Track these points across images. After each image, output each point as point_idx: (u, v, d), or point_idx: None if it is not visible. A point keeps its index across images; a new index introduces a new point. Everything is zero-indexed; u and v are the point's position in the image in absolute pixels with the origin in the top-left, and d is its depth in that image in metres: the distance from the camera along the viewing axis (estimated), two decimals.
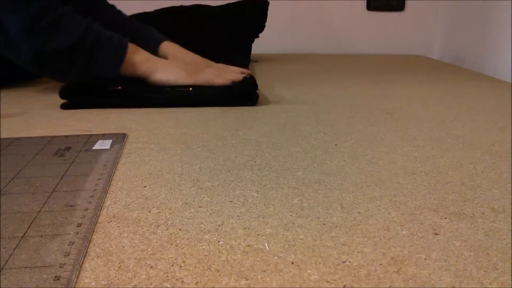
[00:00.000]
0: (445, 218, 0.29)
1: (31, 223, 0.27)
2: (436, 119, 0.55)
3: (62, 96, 0.60)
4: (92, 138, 0.45)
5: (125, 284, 0.22)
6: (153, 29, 0.85)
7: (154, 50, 0.80)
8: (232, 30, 1.03)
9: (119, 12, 0.87)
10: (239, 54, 1.03)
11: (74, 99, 0.60)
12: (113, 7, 0.87)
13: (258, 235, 0.27)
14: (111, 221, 0.28)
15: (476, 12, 1.16)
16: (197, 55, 0.79)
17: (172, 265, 0.23)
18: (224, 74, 0.68)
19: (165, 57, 0.80)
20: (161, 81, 0.67)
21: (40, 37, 0.60)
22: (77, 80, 0.63)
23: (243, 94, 0.62)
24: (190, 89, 0.63)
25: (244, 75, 0.67)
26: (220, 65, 0.75)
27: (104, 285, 0.22)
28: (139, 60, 0.67)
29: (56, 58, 0.62)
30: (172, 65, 0.70)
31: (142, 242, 0.26)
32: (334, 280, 0.22)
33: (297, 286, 0.22)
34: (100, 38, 0.64)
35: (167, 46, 0.82)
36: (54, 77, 0.68)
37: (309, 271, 0.23)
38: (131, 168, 0.38)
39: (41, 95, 0.70)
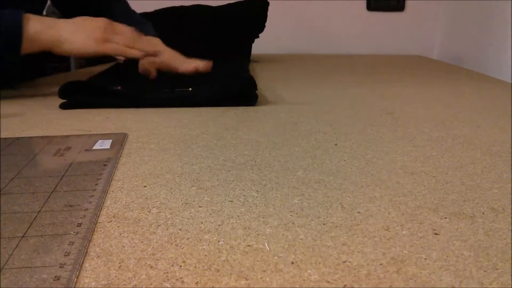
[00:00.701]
0: (445, 218, 0.29)
1: (31, 223, 0.27)
2: (436, 119, 0.55)
3: (61, 96, 0.60)
4: (92, 138, 0.45)
5: (125, 284, 0.22)
6: (148, 24, 0.82)
7: None
8: (232, 30, 1.04)
9: (123, 4, 0.85)
10: (239, 54, 1.03)
11: (73, 99, 0.60)
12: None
13: (258, 235, 0.27)
14: (111, 221, 0.28)
15: (476, 12, 1.16)
16: (128, 27, 0.68)
17: (172, 265, 0.23)
18: (139, 44, 0.62)
19: None
20: (68, 51, 0.59)
21: None
22: None
23: (243, 95, 0.62)
24: (190, 89, 0.63)
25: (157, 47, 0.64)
26: (162, 47, 0.68)
27: (104, 285, 0.22)
28: (37, 28, 0.57)
29: None
30: (79, 31, 0.60)
31: (142, 242, 0.26)
32: (334, 280, 0.22)
33: (297, 286, 0.22)
34: None
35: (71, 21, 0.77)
36: None
37: (309, 271, 0.23)
38: (131, 168, 0.38)
39: (41, 95, 0.70)
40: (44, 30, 0.57)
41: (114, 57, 0.64)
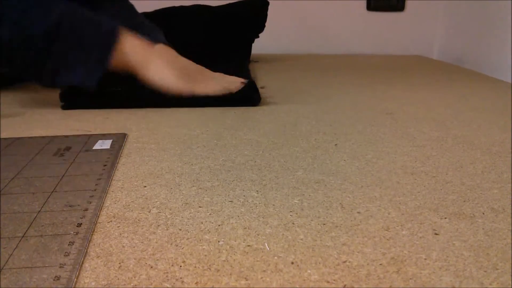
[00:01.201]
0: (445, 218, 0.29)
1: (31, 223, 0.27)
2: (436, 119, 0.55)
3: (62, 100, 0.60)
4: (92, 138, 0.45)
5: (125, 284, 0.22)
6: (156, 29, 0.76)
7: None
8: (232, 30, 1.03)
9: (127, 5, 0.82)
10: (239, 54, 1.03)
11: (74, 101, 0.60)
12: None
13: (258, 235, 0.27)
14: (111, 221, 0.28)
15: (476, 12, 1.16)
16: (193, 63, 0.67)
17: (172, 265, 0.23)
18: (222, 83, 0.60)
19: None
20: (151, 81, 0.56)
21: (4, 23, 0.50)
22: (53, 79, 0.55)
23: (245, 98, 0.62)
24: None
25: (243, 84, 0.62)
26: (217, 75, 0.66)
27: (104, 285, 0.22)
28: (130, 47, 0.54)
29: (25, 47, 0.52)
30: (168, 66, 0.58)
31: (142, 242, 0.26)
32: (334, 280, 0.22)
33: (297, 286, 0.22)
34: (82, 22, 0.53)
35: (159, 50, 0.75)
36: (23, 72, 0.57)
37: (309, 271, 0.23)
38: (131, 168, 0.38)
39: (41, 95, 0.70)
40: (134, 51, 0.55)
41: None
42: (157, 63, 0.57)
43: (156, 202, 0.31)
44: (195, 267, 0.23)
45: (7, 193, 0.32)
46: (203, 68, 0.65)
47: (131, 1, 0.84)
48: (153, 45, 0.59)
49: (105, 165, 0.38)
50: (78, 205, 0.30)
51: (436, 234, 0.27)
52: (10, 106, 0.61)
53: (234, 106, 0.61)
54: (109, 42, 0.54)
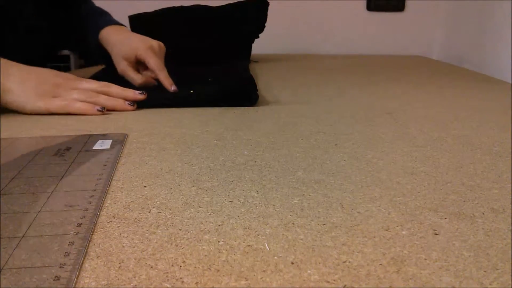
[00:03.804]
0: (445, 218, 0.29)
1: (31, 223, 0.27)
2: (436, 119, 0.55)
3: None
4: (92, 138, 0.45)
5: (125, 284, 0.22)
6: (108, 15, 0.80)
7: (95, 41, 0.75)
8: (232, 30, 1.04)
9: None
10: (239, 55, 1.03)
11: None
12: None
13: (258, 235, 0.27)
14: (111, 221, 0.28)
15: (476, 12, 1.16)
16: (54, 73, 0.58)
17: (172, 265, 0.23)
18: (89, 98, 0.55)
19: (105, 47, 0.73)
20: (17, 107, 0.54)
21: None
22: None
23: (243, 95, 0.62)
24: (191, 91, 0.63)
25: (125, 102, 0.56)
26: (94, 85, 0.58)
27: (104, 285, 0.22)
28: None
29: None
30: (26, 86, 0.54)
31: (142, 242, 0.26)
32: (334, 280, 0.22)
33: (297, 286, 0.22)
34: None
35: (106, 33, 0.72)
36: None
37: (309, 271, 0.23)
38: (131, 168, 0.38)
39: None
40: None
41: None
42: (14, 85, 0.54)
43: (156, 202, 0.31)
44: (195, 267, 0.23)
45: (7, 193, 0.32)
46: (67, 77, 0.58)
47: (133, 1, 0.85)
48: (11, 66, 0.54)
49: (105, 165, 0.38)
50: (78, 205, 0.30)
51: (436, 234, 0.27)
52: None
53: (233, 106, 0.61)
54: None
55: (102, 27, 0.75)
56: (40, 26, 0.72)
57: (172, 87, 0.65)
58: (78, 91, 0.56)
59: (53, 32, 0.71)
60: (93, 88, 0.58)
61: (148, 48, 0.69)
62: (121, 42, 0.72)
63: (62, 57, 1.46)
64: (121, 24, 0.80)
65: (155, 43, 0.71)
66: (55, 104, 0.54)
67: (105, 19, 0.79)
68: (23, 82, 0.54)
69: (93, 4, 0.85)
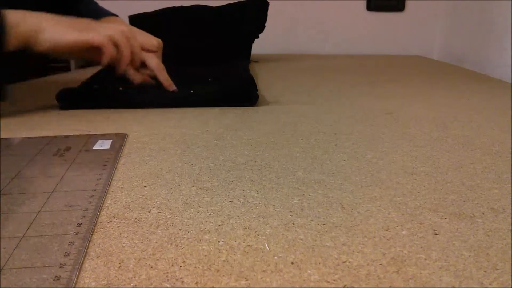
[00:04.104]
0: (445, 218, 0.29)
1: (31, 223, 0.27)
2: (436, 119, 0.55)
3: (59, 101, 0.60)
4: (92, 138, 0.45)
5: (125, 284, 0.22)
6: (103, 10, 0.78)
7: None
8: (232, 30, 1.04)
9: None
10: (239, 55, 1.03)
11: (71, 101, 0.60)
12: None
13: (258, 235, 0.27)
14: (111, 221, 0.28)
15: (476, 12, 1.16)
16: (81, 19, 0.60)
17: (172, 265, 0.23)
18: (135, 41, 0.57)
19: None
20: (50, 42, 0.53)
21: None
22: None
23: (243, 95, 0.62)
24: (192, 91, 0.63)
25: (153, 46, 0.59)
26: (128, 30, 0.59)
27: (104, 285, 0.22)
28: (19, 18, 0.52)
29: None
30: (60, 23, 0.55)
31: (142, 242, 0.26)
32: (334, 280, 0.22)
33: (297, 286, 0.22)
34: None
35: (48, 15, 0.69)
36: None
37: (309, 271, 0.23)
38: (131, 168, 0.38)
39: (41, 95, 0.70)
40: (23, 20, 0.51)
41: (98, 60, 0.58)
42: (50, 25, 0.54)
43: (156, 202, 0.31)
44: (195, 267, 0.23)
45: (7, 193, 0.32)
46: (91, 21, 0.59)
47: (133, 1, 0.85)
48: (41, 13, 0.56)
49: (105, 165, 0.38)
50: (78, 205, 0.30)
51: (436, 234, 0.27)
52: (10, 106, 0.61)
53: (233, 106, 0.61)
54: None
55: (96, 19, 0.74)
56: None
57: (171, 88, 0.64)
58: (113, 30, 0.56)
59: None
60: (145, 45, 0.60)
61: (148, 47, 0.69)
62: None
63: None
64: (115, 15, 0.79)
65: (154, 41, 0.71)
66: (94, 36, 0.54)
67: (102, 11, 0.78)
68: (58, 21, 0.54)
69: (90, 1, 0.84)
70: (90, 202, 0.30)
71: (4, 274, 0.22)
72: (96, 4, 0.81)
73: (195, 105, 0.61)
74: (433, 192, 0.33)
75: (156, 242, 0.26)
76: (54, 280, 0.22)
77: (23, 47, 0.52)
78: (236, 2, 1.07)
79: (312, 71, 1.00)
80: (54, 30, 0.53)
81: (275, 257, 0.24)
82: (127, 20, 0.97)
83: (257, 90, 0.63)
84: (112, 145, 0.43)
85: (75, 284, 0.22)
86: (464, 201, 0.31)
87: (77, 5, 0.79)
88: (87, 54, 0.56)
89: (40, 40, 0.52)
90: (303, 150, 0.43)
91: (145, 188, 0.34)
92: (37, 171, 0.36)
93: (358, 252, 0.25)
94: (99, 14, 0.77)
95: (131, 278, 0.22)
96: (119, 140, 0.45)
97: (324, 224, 0.28)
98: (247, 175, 0.36)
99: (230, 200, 0.32)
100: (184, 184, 0.34)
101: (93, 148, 0.42)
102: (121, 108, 0.60)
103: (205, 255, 0.24)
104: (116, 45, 0.56)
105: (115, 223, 0.28)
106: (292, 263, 0.24)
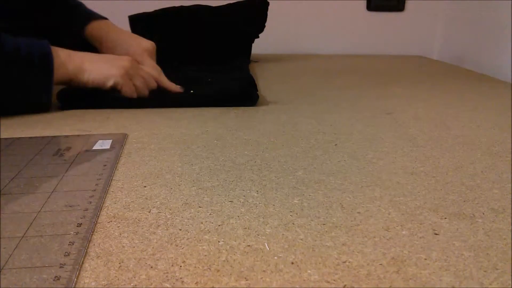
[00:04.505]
0: (445, 218, 0.29)
1: (31, 223, 0.27)
2: (436, 119, 0.55)
3: (59, 100, 0.60)
4: (92, 138, 0.45)
5: (125, 284, 0.22)
6: (83, 5, 0.78)
7: (79, 34, 0.73)
8: (232, 30, 1.03)
9: None
10: (239, 54, 1.03)
11: (72, 101, 0.60)
12: None
13: (258, 235, 0.27)
14: (111, 221, 0.28)
15: (476, 12, 1.16)
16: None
17: (172, 265, 0.23)
18: (160, 82, 0.63)
19: (94, 43, 0.72)
20: (90, 83, 0.58)
21: None
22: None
23: (243, 95, 0.62)
24: (192, 91, 0.63)
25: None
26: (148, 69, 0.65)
27: (104, 285, 0.22)
28: (64, 57, 0.56)
29: None
30: (102, 63, 0.60)
31: (142, 242, 0.26)
32: (334, 280, 0.22)
33: (297, 286, 0.22)
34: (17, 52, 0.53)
35: (97, 27, 0.72)
36: None
37: (309, 271, 0.23)
38: (131, 168, 0.38)
39: None
40: (69, 59, 0.57)
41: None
42: (91, 63, 0.59)
43: (156, 202, 0.31)
44: (195, 267, 0.23)
45: (7, 193, 0.32)
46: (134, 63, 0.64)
47: (133, 1, 0.84)
48: (78, 52, 0.61)
49: (105, 165, 0.38)
50: (78, 205, 0.30)
51: (436, 234, 0.27)
52: None
53: (233, 106, 0.61)
54: (47, 63, 0.55)
55: (87, 23, 0.73)
56: (27, 26, 0.71)
57: (177, 89, 0.65)
58: (142, 79, 0.62)
59: (40, 32, 0.71)
60: (152, 74, 0.65)
61: (143, 52, 0.68)
62: (114, 45, 0.71)
63: None
64: (105, 18, 0.78)
65: (148, 44, 0.71)
66: (129, 87, 0.60)
67: (93, 15, 0.77)
68: (99, 62, 0.60)
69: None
70: (90, 202, 0.30)
71: (4, 274, 0.22)
72: (84, 6, 0.80)
73: (195, 105, 0.61)
74: (433, 192, 0.33)
75: (156, 242, 0.26)
76: (54, 280, 0.22)
77: (66, 83, 0.58)
78: (236, 2, 1.07)
79: (312, 71, 1.00)
80: (95, 73, 0.58)
81: (275, 257, 0.24)
82: (127, 20, 0.97)
83: (257, 90, 0.63)
84: (112, 145, 0.43)
85: (75, 284, 0.22)
86: (464, 201, 0.31)
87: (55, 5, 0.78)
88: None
89: (82, 80, 0.58)
90: (303, 150, 0.43)
91: (145, 188, 0.34)
92: (37, 171, 0.36)
93: (358, 252, 0.25)
94: (89, 17, 0.76)
95: (131, 278, 0.22)
96: (119, 140, 0.45)
97: (324, 224, 0.28)
98: (247, 175, 0.36)
99: (230, 200, 0.32)
100: (184, 184, 0.34)
101: (93, 148, 0.42)
102: (121, 108, 0.60)
103: (205, 255, 0.24)
104: (134, 84, 0.61)
105: (115, 223, 0.28)
106: (292, 263, 0.24)
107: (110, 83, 0.59)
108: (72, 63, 0.57)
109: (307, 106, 0.62)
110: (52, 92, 0.57)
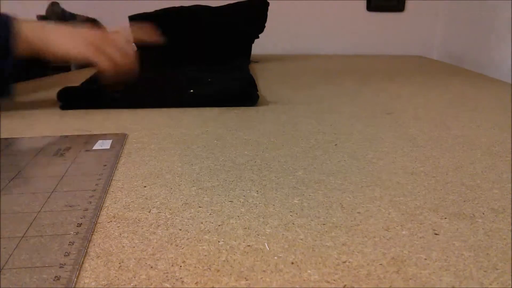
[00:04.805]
0: (445, 218, 0.29)
1: (31, 223, 0.27)
2: (436, 119, 0.55)
3: (60, 100, 0.60)
4: (92, 138, 0.45)
5: (125, 284, 0.22)
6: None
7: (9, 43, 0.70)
8: (232, 30, 1.03)
9: None
10: (239, 55, 1.03)
11: (73, 103, 0.60)
12: None
13: (258, 235, 0.27)
14: (111, 221, 0.28)
15: (476, 12, 1.16)
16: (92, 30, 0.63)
17: (172, 265, 0.23)
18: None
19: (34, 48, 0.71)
20: (58, 54, 0.56)
21: None
22: None
23: (243, 95, 0.62)
24: (191, 91, 0.63)
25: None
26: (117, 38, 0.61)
27: (104, 285, 0.22)
28: (29, 30, 0.54)
29: None
30: (72, 34, 0.58)
31: (142, 242, 0.26)
32: (334, 280, 0.22)
33: (297, 286, 0.22)
34: None
35: (57, 26, 0.69)
36: None
37: (309, 271, 0.23)
38: (131, 168, 0.38)
39: (41, 95, 0.70)
40: (34, 32, 0.55)
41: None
42: (60, 35, 0.57)
43: (156, 202, 0.31)
44: (195, 267, 0.23)
45: (7, 193, 0.32)
46: (103, 33, 0.62)
47: (133, 1, 0.83)
48: (47, 24, 0.59)
49: (105, 165, 0.38)
50: (78, 205, 0.30)
51: (436, 234, 0.27)
52: (10, 106, 0.61)
53: (233, 106, 0.61)
54: (6, 32, 0.54)
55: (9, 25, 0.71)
56: None
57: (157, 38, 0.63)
58: (115, 47, 0.59)
59: None
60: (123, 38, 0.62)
61: (89, 45, 0.63)
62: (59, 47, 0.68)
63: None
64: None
65: (88, 35, 0.64)
66: (100, 59, 0.57)
67: None
68: (66, 35, 0.57)
69: None
70: (90, 202, 0.30)
71: (4, 274, 0.22)
72: None
73: (195, 105, 0.61)
74: (433, 192, 0.33)
75: (156, 242, 0.26)
76: (54, 280, 0.22)
77: (34, 55, 0.56)
78: (236, 2, 1.07)
79: (312, 71, 1.00)
80: (61, 41, 0.56)
81: (275, 257, 0.24)
82: (127, 20, 0.97)
83: (257, 90, 0.63)
84: (112, 145, 0.43)
85: (75, 284, 0.22)
86: (464, 201, 0.31)
87: None
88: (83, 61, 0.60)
89: (46, 51, 0.55)
90: (303, 150, 0.43)
91: (145, 188, 0.34)
92: (37, 171, 0.36)
93: (358, 252, 0.25)
94: None
95: (131, 278, 0.22)
96: (119, 140, 0.45)
97: (324, 224, 0.28)
98: (247, 175, 0.36)
99: (230, 200, 0.32)
100: (184, 184, 0.34)
101: (93, 148, 0.42)
102: (121, 108, 0.60)
103: (205, 255, 0.24)
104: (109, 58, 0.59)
105: (115, 223, 0.28)
106: (292, 263, 0.24)
107: (78, 57, 0.56)
108: (37, 35, 0.55)
109: (307, 106, 0.62)
110: (13, 70, 0.56)
